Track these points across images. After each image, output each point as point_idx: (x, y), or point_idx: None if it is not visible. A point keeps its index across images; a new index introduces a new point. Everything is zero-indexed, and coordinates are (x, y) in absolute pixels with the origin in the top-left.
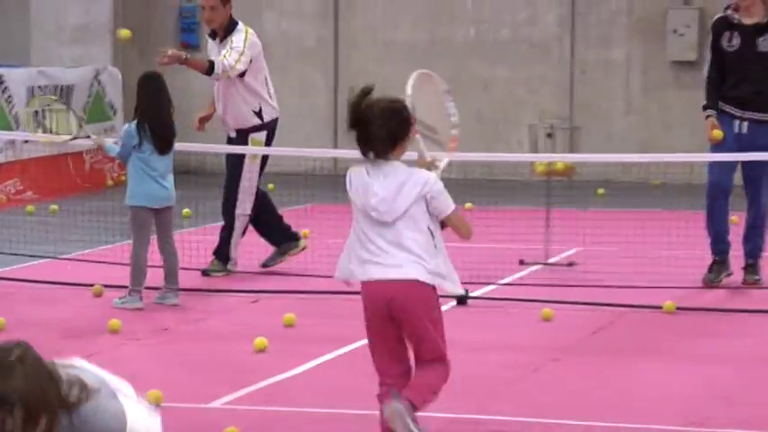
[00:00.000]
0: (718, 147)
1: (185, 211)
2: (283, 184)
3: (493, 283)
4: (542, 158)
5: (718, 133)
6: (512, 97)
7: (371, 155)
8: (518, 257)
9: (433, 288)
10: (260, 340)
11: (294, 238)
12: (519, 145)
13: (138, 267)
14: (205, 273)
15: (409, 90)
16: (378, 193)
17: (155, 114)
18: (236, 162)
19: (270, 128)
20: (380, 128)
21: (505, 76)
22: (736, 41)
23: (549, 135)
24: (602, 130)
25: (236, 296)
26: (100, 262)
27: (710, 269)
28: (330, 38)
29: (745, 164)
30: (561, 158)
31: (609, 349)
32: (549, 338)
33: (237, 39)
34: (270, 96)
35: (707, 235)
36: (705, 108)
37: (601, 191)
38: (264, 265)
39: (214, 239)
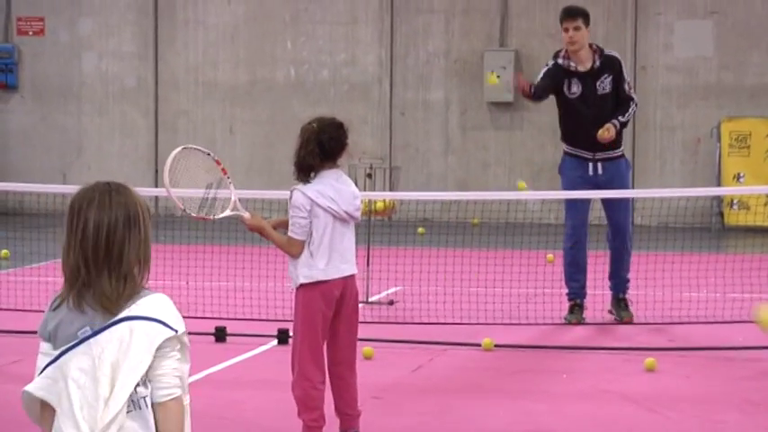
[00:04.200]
0: (576, 188)
1: (4, 251)
2: None
3: None
4: (363, 197)
5: (521, 184)
6: None
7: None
8: None
9: (298, 289)
10: None
11: None
12: None
13: None
14: None
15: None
16: (350, 192)
17: None
18: None
19: None
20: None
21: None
22: (577, 88)
23: (369, 175)
24: (421, 169)
25: None
26: None
27: (571, 310)
28: (151, 78)
29: (606, 204)
30: (381, 197)
31: (428, 386)
32: (369, 376)
33: None
34: None
35: (564, 279)
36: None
37: (421, 229)
38: None
39: (32, 280)
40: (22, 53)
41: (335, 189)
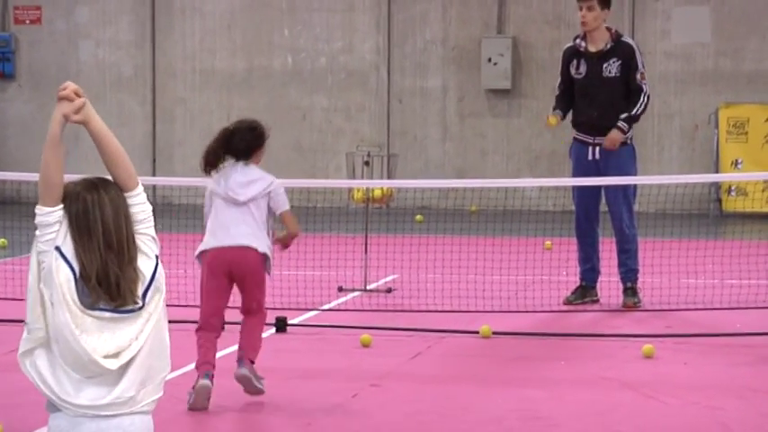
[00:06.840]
0: (578, 172)
1: (1, 240)
2: None
3: (312, 310)
4: (360, 185)
5: (552, 119)
6: (330, 125)
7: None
8: (337, 284)
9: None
10: None
11: None
12: (337, 172)
13: None
14: None
15: None
16: (237, 180)
17: None
18: None
19: None
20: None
21: (323, 104)
22: (583, 68)
23: (367, 163)
24: (419, 157)
25: None
26: None
27: (574, 291)
28: (147, 66)
29: (604, 189)
30: (379, 185)
31: (427, 374)
32: (367, 364)
33: None
34: None
35: (577, 261)
36: (553, 110)
37: (419, 217)
38: None
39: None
40: (20, 42)
41: (226, 175)
